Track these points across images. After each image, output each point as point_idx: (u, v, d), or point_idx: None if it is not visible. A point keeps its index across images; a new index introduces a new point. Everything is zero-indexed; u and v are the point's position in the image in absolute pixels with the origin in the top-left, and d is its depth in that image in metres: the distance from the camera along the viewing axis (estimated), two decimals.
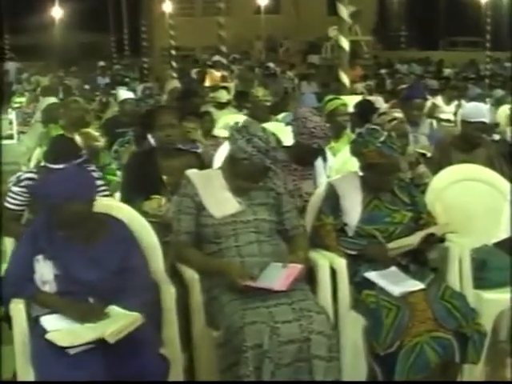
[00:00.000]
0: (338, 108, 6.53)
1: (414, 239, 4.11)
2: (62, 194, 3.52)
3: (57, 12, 30.57)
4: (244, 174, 3.99)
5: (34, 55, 28.79)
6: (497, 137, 9.75)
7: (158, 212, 4.65)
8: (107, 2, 33.43)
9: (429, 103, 11.98)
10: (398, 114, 5.68)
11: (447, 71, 22.61)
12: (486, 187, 5.03)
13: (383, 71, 20.76)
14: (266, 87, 14.88)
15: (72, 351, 3.27)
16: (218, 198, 4.03)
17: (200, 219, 4.02)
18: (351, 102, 8.47)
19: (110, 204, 4.06)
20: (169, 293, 3.74)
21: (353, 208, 4.27)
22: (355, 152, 4.39)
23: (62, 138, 4.87)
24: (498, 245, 4.86)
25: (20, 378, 3.49)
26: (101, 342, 3.28)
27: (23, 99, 15.99)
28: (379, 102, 9.37)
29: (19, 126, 13.76)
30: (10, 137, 14.35)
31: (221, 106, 10.31)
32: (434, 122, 10.47)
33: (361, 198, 4.30)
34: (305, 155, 4.94)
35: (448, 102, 12.19)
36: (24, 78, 20.24)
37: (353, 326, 3.99)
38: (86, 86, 17.38)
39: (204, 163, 5.13)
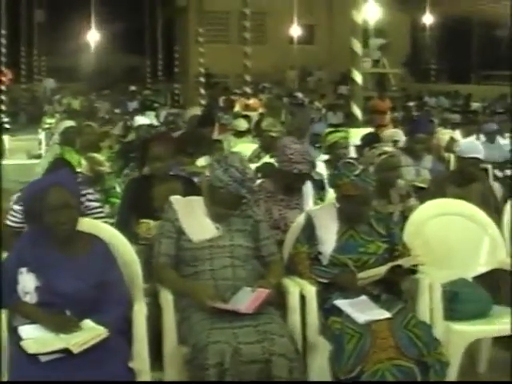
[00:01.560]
0: (337, 141, 6.75)
1: (381, 269, 4.28)
2: (47, 180, 4.00)
3: (93, 35, 31.12)
4: (221, 202, 4.25)
5: (68, 77, 29.38)
6: (510, 172, 9.85)
7: (147, 235, 4.89)
8: (144, 27, 34.04)
9: (447, 137, 12.12)
10: (388, 148, 5.86)
11: (475, 105, 22.66)
12: (465, 221, 5.17)
13: (411, 104, 20.88)
14: (292, 116, 15.18)
15: (43, 359, 3.51)
16: (197, 224, 4.29)
17: (180, 243, 4.27)
18: (360, 134, 8.69)
19: (94, 224, 4.32)
20: (141, 310, 3.97)
21: (328, 237, 4.46)
22: (332, 184, 4.60)
23: (59, 160, 5.13)
24: (477, 279, 5.02)
25: None
26: (71, 352, 3.52)
27: (53, 120, 16.38)
28: (399, 134, 9.54)
29: (47, 146, 14.10)
30: (39, 156, 14.71)
31: (239, 134, 10.54)
32: (452, 156, 10.64)
33: (337, 228, 4.49)
34: (287, 182, 5.20)
35: (466, 136, 12.25)
36: (56, 100, 20.67)
37: (320, 351, 4.15)
38: (117, 110, 17.71)
39: (200, 190, 5.34)
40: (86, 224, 4.15)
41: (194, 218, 4.30)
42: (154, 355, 4.00)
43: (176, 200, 4.40)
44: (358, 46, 10.16)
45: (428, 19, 31.71)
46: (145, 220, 4.97)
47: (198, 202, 4.40)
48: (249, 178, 4.24)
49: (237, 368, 3.68)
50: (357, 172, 4.41)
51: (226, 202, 4.24)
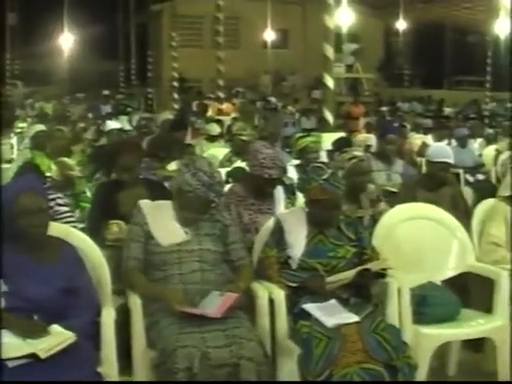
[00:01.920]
0: (308, 146, 6.77)
1: (350, 273, 4.29)
2: (16, 186, 3.90)
3: (66, 39, 30.95)
4: (189, 206, 4.24)
5: (41, 81, 29.23)
6: (481, 177, 9.93)
7: (120, 235, 4.85)
8: (117, 31, 33.98)
9: (419, 142, 12.21)
10: (358, 153, 5.87)
11: (448, 110, 22.84)
12: (435, 225, 5.20)
13: (384, 109, 21.02)
14: (265, 121, 15.22)
15: (10, 364, 3.49)
16: (166, 228, 4.28)
17: (148, 247, 4.26)
18: (333, 138, 8.73)
19: (63, 229, 4.30)
20: (109, 315, 3.95)
21: (297, 242, 4.46)
22: (300, 188, 4.60)
23: (28, 165, 5.11)
24: (446, 282, 5.05)
25: None
26: (38, 357, 3.50)
27: (25, 124, 16.27)
28: (371, 139, 9.61)
29: (19, 151, 13.99)
30: (11, 161, 14.57)
31: (212, 138, 10.56)
32: (424, 161, 10.71)
33: (306, 232, 4.49)
34: (258, 186, 5.21)
35: (438, 141, 12.32)
36: (28, 104, 20.56)
37: (289, 355, 4.15)
38: (90, 115, 17.65)
39: (171, 194, 5.34)
40: (55, 229, 4.12)
41: (163, 222, 4.29)
42: (122, 360, 3.98)
43: (145, 204, 4.39)
44: (330, 51, 10.24)
45: (401, 25, 31.91)
46: (116, 221, 4.94)
47: (166, 206, 4.39)
48: (217, 181, 4.25)
49: (205, 372, 3.67)
50: (325, 176, 4.42)
51: (194, 206, 4.24)
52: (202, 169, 4.21)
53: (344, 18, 21.09)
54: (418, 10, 31.43)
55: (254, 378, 3.74)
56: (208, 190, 4.18)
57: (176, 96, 21.56)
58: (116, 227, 4.91)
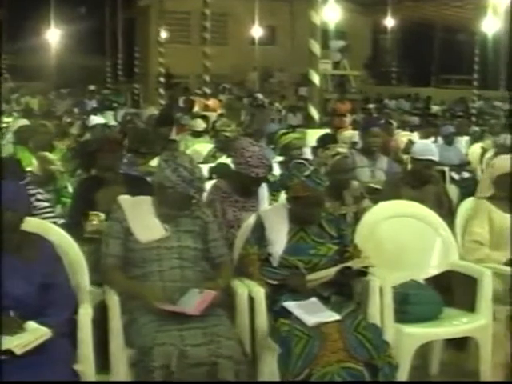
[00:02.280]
0: (291, 142, 6.73)
1: (330, 271, 4.25)
2: None
3: (53, 34, 30.82)
4: (169, 202, 4.18)
5: (27, 76, 29.12)
6: (467, 175, 9.91)
7: (99, 226, 4.79)
8: (104, 26, 33.88)
9: (405, 139, 12.17)
10: (342, 149, 5.83)
11: (435, 108, 22.86)
12: (418, 223, 5.17)
13: (371, 106, 21.02)
14: (252, 118, 15.19)
15: None
16: (145, 224, 4.21)
17: (127, 244, 4.19)
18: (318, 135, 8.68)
19: (41, 224, 4.26)
20: (86, 312, 3.90)
21: (278, 239, 4.41)
22: (282, 185, 4.56)
23: (7, 159, 5.05)
24: (429, 281, 5.01)
25: None
26: (14, 353, 3.46)
27: (11, 119, 16.18)
28: (356, 136, 9.58)
29: (2, 145, 13.90)
30: None
31: (197, 134, 10.51)
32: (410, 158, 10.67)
33: (287, 229, 4.45)
34: (244, 185, 5.14)
35: (425, 138, 12.28)
36: (14, 99, 20.46)
37: (269, 354, 4.11)
38: (76, 110, 17.58)
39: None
40: (34, 224, 4.09)
41: (142, 219, 4.23)
42: (100, 358, 3.93)
43: (124, 200, 4.32)
44: (316, 48, 10.19)
45: (389, 22, 31.92)
46: (96, 212, 4.88)
47: (146, 202, 4.33)
48: (197, 177, 4.18)
49: (183, 370, 3.63)
50: (307, 173, 4.37)
51: (174, 202, 4.18)
52: (182, 164, 4.14)
53: (331, 14, 21.06)
54: (406, 8, 31.44)
55: (232, 377, 3.69)
56: (188, 185, 4.12)
57: (162, 92, 21.51)
58: (96, 218, 4.85)
